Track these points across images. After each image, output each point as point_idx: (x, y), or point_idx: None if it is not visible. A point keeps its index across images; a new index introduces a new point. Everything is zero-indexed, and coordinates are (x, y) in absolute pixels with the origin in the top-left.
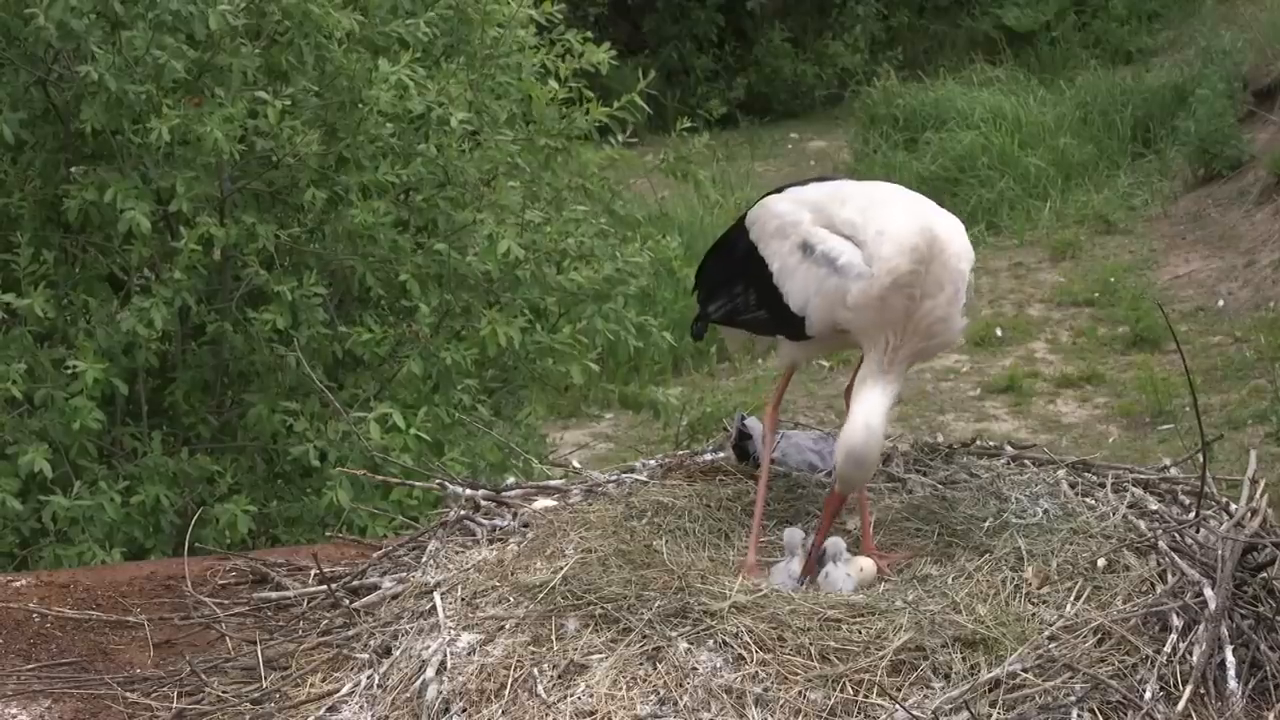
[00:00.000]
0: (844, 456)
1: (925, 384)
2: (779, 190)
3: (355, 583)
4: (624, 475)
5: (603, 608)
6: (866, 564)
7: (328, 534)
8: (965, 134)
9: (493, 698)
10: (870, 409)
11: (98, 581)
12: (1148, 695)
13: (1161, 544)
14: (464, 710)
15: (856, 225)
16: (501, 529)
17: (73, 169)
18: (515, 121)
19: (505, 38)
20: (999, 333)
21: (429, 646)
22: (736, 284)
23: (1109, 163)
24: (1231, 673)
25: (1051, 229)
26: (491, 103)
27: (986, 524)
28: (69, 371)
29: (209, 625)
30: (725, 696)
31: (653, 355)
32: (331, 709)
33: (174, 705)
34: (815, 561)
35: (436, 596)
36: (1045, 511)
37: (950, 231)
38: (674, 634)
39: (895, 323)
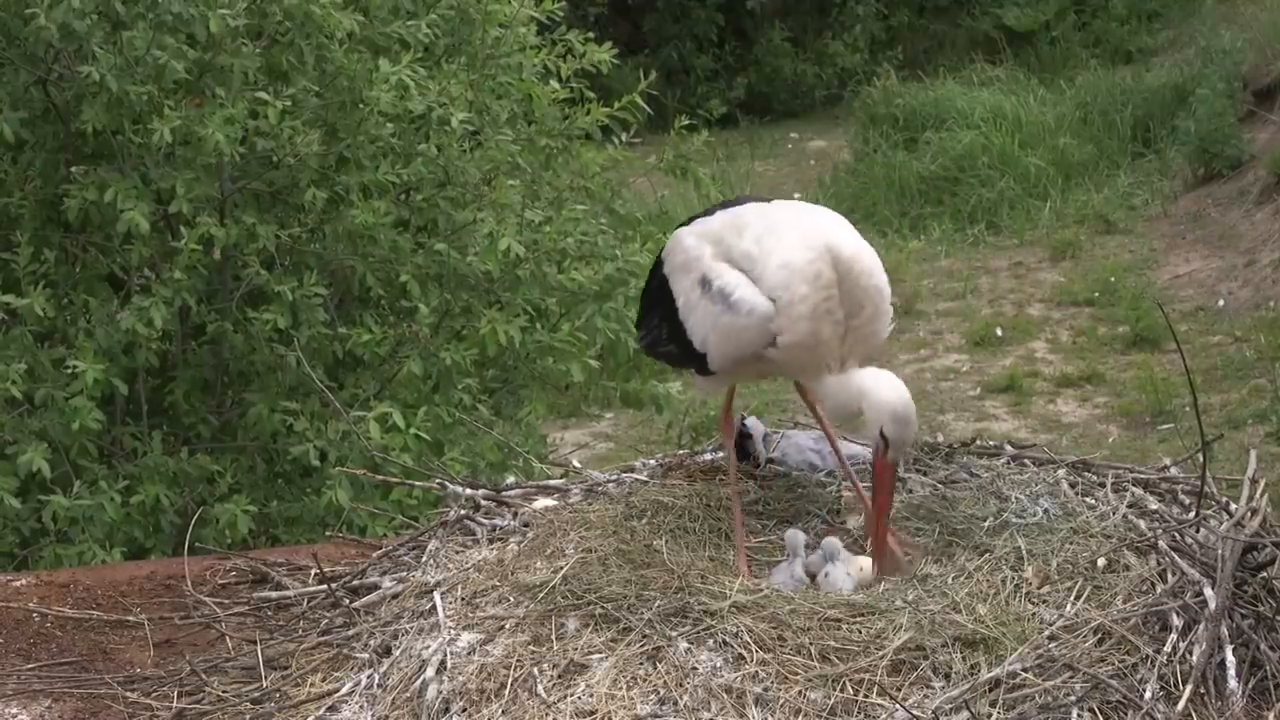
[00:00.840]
0: (890, 419)
1: (925, 384)
2: (688, 221)
3: (355, 582)
4: (624, 475)
5: (603, 607)
6: (866, 564)
7: (328, 534)
8: (965, 134)
9: (493, 697)
10: (873, 373)
11: (98, 581)
12: (1148, 695)
13: (1161, 544)
14: (464, 710)
15: (753, 257)
16: (501, 529)
17: (73, 169)
18: (516, 121)
19: (506, 38)
20: (999, 332)
21: (429, 646)
22: (653, 316)
23: (1109, 162)
24: (1231, 672)
25: (1051, 229)
26: (492, 103)
27: (986, 523)
28: (69, 371)
29: (209, 625)
30: (725, 696)
31: None
32: (331, 708)
33: (174, 705)
34: (886, 550)
35: (436, 596)
36: (1045, 511)
37: (853, 248)
38: (674, 634)
39: (830, 350)
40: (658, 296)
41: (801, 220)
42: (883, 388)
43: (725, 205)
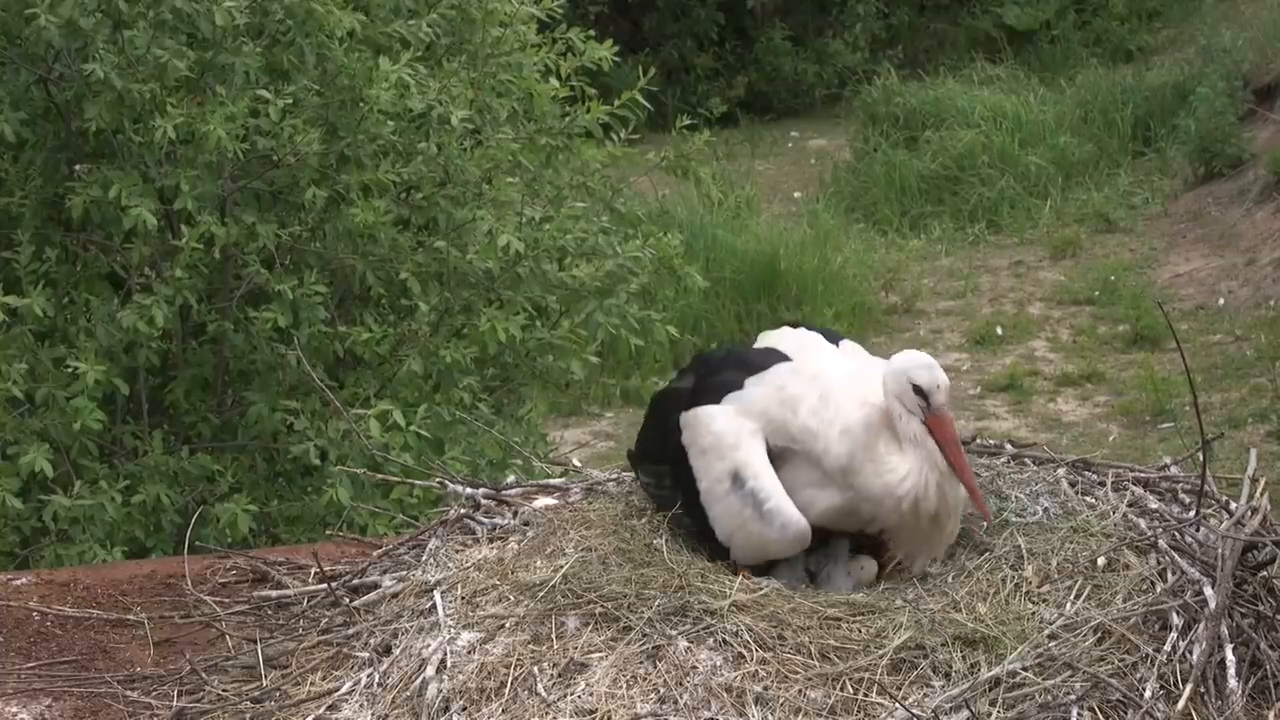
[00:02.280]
0: (911, 368)
1: None
2: (715, 373)
3: (355, 581)
4: (624, 474)
5: (603, 606)
6: (868, 563)
7: (328, 532)
8: (965, 132)
9: (493, 696)
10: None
11: (98, 580)
12: (1148, 694)
13: (1161, 542)
14: (464, 709)
15: (818, 434)
16: (502, 527)
17: (77, 167)
18: (516, 119)
19: (507, 36)
20: (999, 331)
21: (429, 645)
22: (665, 475)
23: (1109, 161)
24: (1231, 671)
25: (1052, 227)
26: (493, 101)
27: (986, 522)
28: (70, 371)
29: (209, 624)
30: (725, 695)
31: (654, 352)
32: (332, 707)
33: (174, 704)
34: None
35: (437, 595)
36: (1045, 510)
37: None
38: (674, 632)
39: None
40: (674, 462)
41: (844, 371)
42: (891, 363)
43: (730, 355)
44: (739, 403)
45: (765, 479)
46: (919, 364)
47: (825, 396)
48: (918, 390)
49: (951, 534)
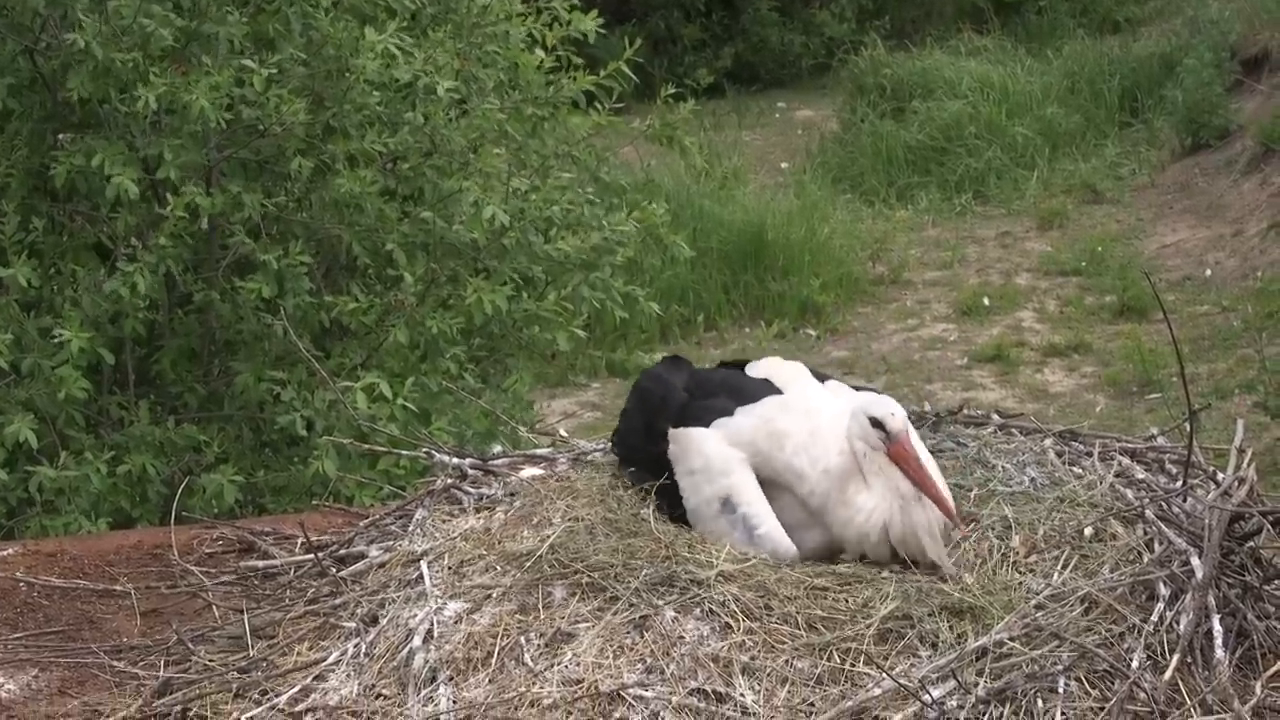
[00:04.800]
0: (866, 407)
1: (912, 353)
2: (708, 395)
3: (342, 551)
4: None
5: (590, 576)
6: None
7: (315, 503)
8: (952, 103)
9: (479, 666)
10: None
11: (85, 550)
12: (1135, 664)
13: (1149, 513)
14: (450, 679)
15: (803, 474)
16: (488, 497)
17: (60, 136)
18: (502, 90)
19: (492, 6)
20: (986, 302)
21: (416, 615)
22: (648, 476)
23: (1096, 132)
24: (1218, 641)
25: (1039, 198)
26: (479, 71)
27: (973, 493)
28: (55, 341)
29: (196, 594)
30: (712, 665)
31: (640, 324)
32: (319, 677)
33: (161, 674)
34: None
35: (423, 565)
36: (1032, 480)
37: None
38: (661, 602)
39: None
40: (659, 471)
41: (832, 406)
42: (849, 409)
43: (726, 380)
44: (728, 429)
45: (758, 505)
46: (872, 399)
47: (814, 434)
48: (875, 423)
49: (937, 551)
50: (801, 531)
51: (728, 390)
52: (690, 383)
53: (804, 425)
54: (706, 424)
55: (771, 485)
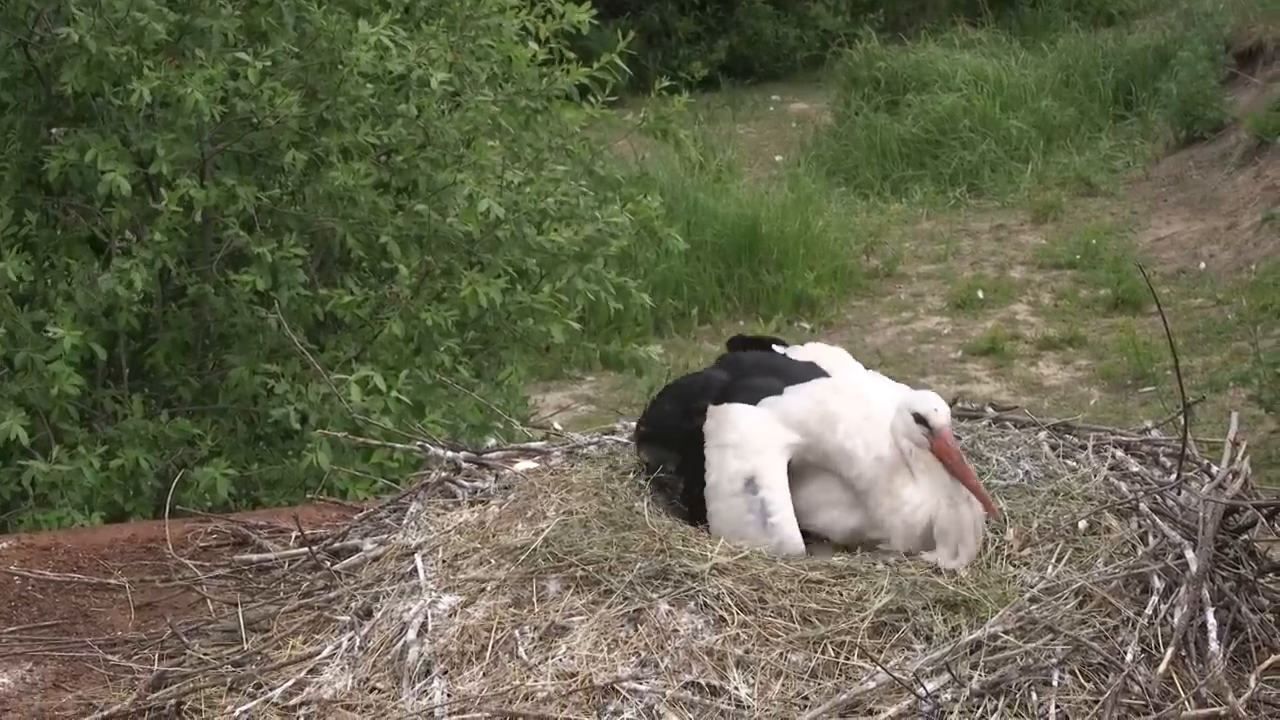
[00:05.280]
0: (911, 402)
1: (907, 346)
2: (750, 374)
3: (336, 545)
4: (605, 437)
5: (584, 569)
6: None
7: (309, 496)
8: (947, 96)
9: (474, 659)
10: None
11: (79, 544)
12: (1129, 657)
13: (1143, 506)
14: (445, 672)
15: (855, 456)
16: (482, 491)
17: (53, 130)
18: (496, 82)
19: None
20: (980, 295)
21: (410, 609)
22: (671, 456)
23: (1090, 125)
24: (1213, 635)
25: (1033, 191)
26: (472, 64)
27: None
28: (48, 336)
29: (190, 587)
30: (706, 658)
31: (635, 316)
32: (313, 671)
33: (155, 667)
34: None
35: (418, 558)
36: (1026, 473)
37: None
38: (655, 596)
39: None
40: (684, 447)
41: (882, 391)
42: (894, 407)
43: (765, 362)
44: (777, 408)
45: (779, 492)
46: (917, 395)
47: (868, 417)
48: (919, 419)
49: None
50: (837, 510)
51: (773, 371)
52: (730, 366)
53: (857, 409)
54: (754, 402)
55: (809, 470)
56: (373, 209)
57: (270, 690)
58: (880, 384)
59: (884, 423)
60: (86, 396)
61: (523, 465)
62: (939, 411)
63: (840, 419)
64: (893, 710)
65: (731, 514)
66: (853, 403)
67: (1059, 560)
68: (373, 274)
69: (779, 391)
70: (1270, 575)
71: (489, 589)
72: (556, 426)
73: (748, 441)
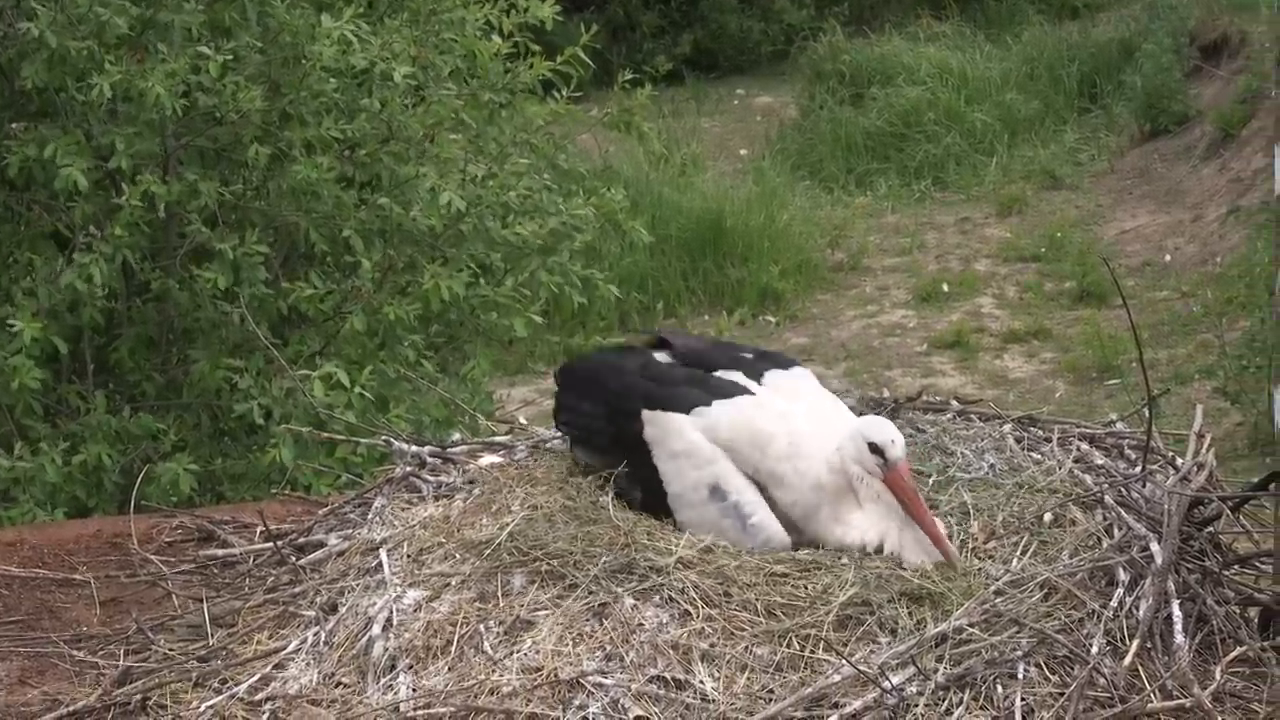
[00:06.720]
0: (865, 431)
1: (872, 339)
2: (674, 384)
3: (301, 540)
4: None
5: (549, 564)
6: None
7: (273, 491)
8: (911, 89)
9: (439, 654)
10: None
11: (44, 539)
12: (1094, 649)
13: (1108, 498)
14: (410, 667)
15: (786, 482)
16: (447, 485)
17: (13, 125)
18: (459, 77)
19: None
20: (945, 288)
21: (375, 603)
22: (609, 461)
23: (1055, 118)
24: (1178, 627)
25: (998, 184)
26: (435, 58)
27: (932, 479)
28: (10, 330)
29: (155, 583)
30: (671, 652)
31: (599, 310)
32: (278, 666)
33: (120, 663)
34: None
35: (383, 553)
36: (991, 466)
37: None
38: (620, 590)
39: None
40: (632, 454)
41: (819, 425)
42: (847, 431)
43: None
44: (706, 420)
45: (748, 493)
46: (872, 424)
47: (795, 443)
48: (874, 449)
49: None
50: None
51: (695, 384)
52: (646, 370)
53: (783, 429)
54: (685, 411)
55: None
56: (336, 203)
57: (236, 685)
58: (837, 411)
59: (814, 445)
60: (50, 392)
61: (487, 460)
62: (895, 444)
63: (770, 441)
64: (858, 703)
65: (706, 522)
66: (778, 422)
67: (1024, 553)
68: (336, 268)
69: (708, 402)
70: (1235, 567)
71: (454, 584)
72: (521, 421)
73: (698, 451)
